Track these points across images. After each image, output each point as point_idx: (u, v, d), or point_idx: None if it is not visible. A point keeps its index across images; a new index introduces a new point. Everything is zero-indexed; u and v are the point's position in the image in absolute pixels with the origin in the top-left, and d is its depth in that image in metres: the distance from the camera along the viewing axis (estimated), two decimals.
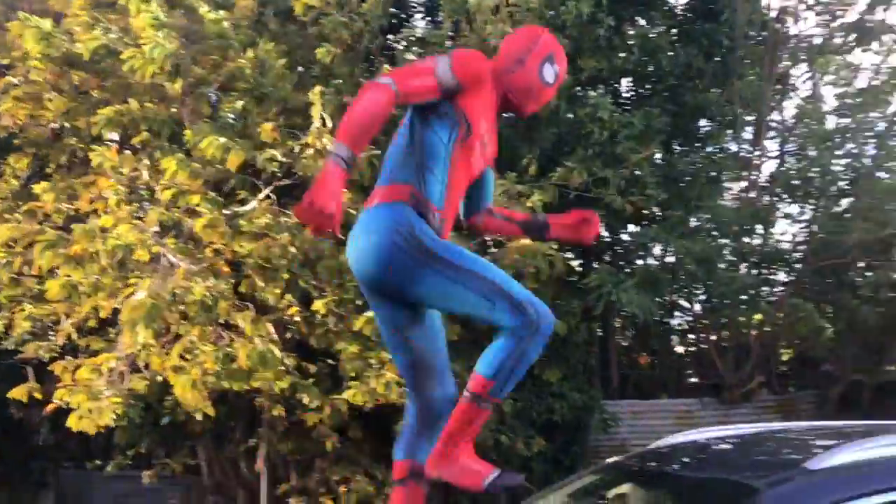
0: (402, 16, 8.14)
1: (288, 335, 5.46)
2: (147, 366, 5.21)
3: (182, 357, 4.97)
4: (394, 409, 5.92)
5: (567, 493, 2.41)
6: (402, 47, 7.28)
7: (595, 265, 9.40)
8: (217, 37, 5.47)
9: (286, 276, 5.18)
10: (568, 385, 8.04)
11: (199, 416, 5.23)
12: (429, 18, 7.84)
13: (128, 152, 5.37)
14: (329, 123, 5.10)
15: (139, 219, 5.10)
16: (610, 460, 2.47)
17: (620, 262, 9.15)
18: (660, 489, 2.12)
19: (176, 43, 5.13)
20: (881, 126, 8.50)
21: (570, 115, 7.42)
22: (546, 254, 5.45)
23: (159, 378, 5.21)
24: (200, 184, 5.10)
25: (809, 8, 8.99)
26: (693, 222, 8.27)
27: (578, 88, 7.84)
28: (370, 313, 5.25)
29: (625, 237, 9.65)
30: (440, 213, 2.32)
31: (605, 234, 9.95)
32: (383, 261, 2.23)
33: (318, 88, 5.10)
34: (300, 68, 6.30)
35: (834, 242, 7.81)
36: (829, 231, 7.99)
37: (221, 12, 5.55)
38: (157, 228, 5.17)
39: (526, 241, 5.42)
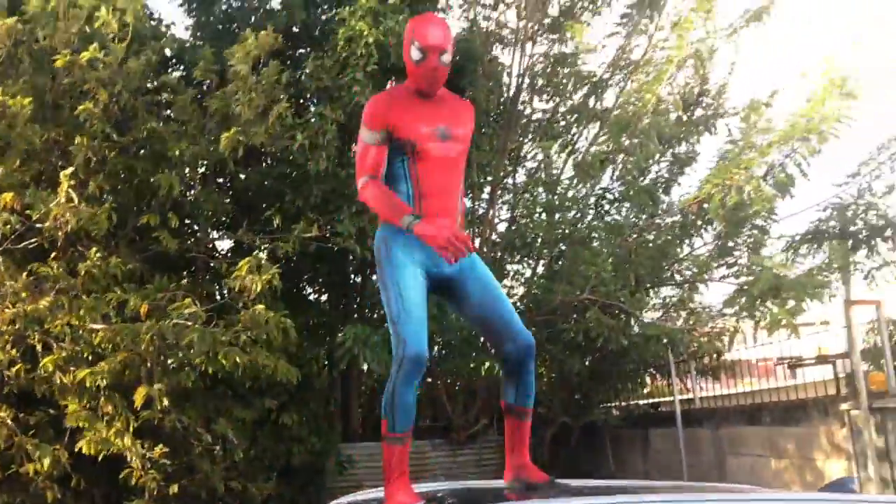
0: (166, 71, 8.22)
1: (6, 390, 5.33)
2: None
3: None
4: (119, 458, 5.95)
5: None
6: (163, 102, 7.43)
7: (342, 307, 9.96)
8: None
9: (13, 331, 5.10)
10: (307, 429, 8.40)
11: None
12: (184, 73, 7.98)
13: None
14: (75, 199, 5.10)
15: None
16: None
17: (368, 310, 9.67)
18: None
19: None
20: (591, 199, 9.78)
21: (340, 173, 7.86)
22: (278, 323, 5.74)
23: None
24: None
25: (539, 91, 10.18)
26: None
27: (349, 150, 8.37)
28: (96, 367, 5.31)
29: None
30: (413, 211, 2.86)
31: (357, 280, 10.50)
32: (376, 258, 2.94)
33: (66, 177, 5.10)
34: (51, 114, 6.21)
35: (546, 299, 8.84)
36: (542, 289, 9.03)
37: None
38: None
39: (260, 308, 5.71)
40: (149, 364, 5.35)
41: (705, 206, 8.33)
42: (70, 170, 5.07)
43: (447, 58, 2.90)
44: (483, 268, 3.02)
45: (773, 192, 7.40)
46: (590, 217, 9.54)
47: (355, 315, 9.43)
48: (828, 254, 7.17)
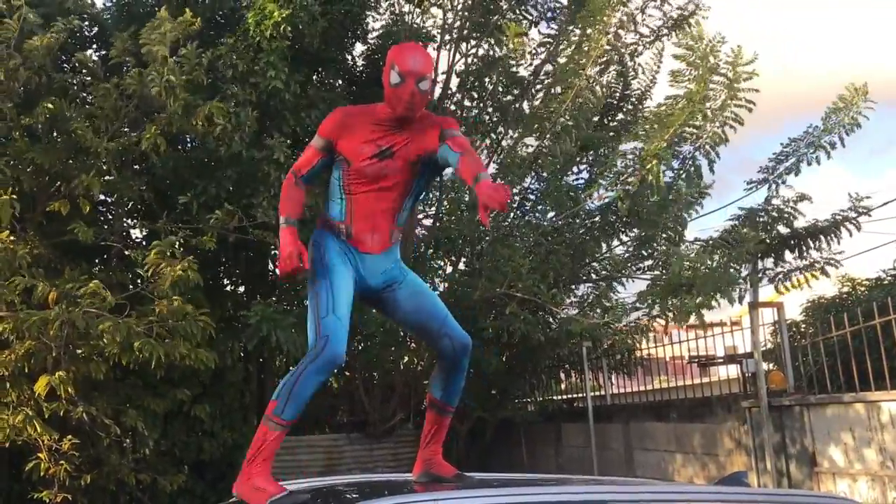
0: (77, 47, 7.93)
1: None
2: None
3: None
4: (26, 446, 5.76)
5: None
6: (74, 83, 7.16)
7: (258, 297, 9.79)
8: None
9: None
10: (220, 423, 8.26)
11: None
12: (103, 53, 7.72)
13: None
14: None
15: None
16: None
17: (284, 299, 9.55)
18: None
19: None
20: (515, 198, 9.91)
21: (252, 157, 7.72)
22: (197, 318, 5.64)
23: None
24: None
25: (468, 90, 10.26)
26: None
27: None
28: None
29: None
30: (342, 223, 3.00)
31: (272, 270, 10.36)
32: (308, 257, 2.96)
33: None
34: None
35: (465, 295, 8.93)
36: (461, 285, 9.12)
37: None
38: None
39: (177, 301, 5.58)
40: (54, 353, 5.19)
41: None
42: None
43: (425, 84, 2.92)
44: (413, 276, 3.11)
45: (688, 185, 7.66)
46: (512, 216, 9.66)
47: (272, 308, 9.30)
48: (743, 244, 7.42)
